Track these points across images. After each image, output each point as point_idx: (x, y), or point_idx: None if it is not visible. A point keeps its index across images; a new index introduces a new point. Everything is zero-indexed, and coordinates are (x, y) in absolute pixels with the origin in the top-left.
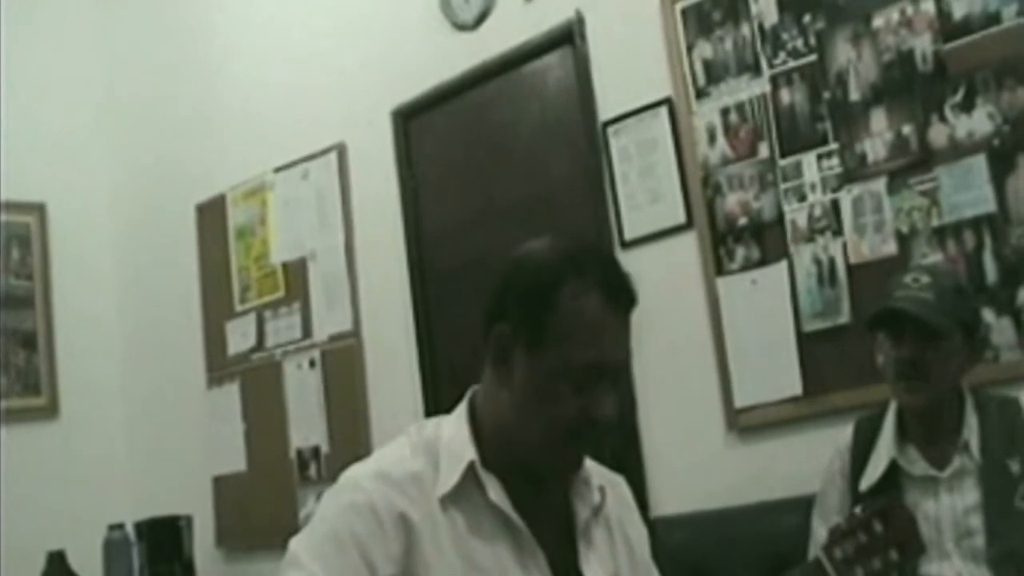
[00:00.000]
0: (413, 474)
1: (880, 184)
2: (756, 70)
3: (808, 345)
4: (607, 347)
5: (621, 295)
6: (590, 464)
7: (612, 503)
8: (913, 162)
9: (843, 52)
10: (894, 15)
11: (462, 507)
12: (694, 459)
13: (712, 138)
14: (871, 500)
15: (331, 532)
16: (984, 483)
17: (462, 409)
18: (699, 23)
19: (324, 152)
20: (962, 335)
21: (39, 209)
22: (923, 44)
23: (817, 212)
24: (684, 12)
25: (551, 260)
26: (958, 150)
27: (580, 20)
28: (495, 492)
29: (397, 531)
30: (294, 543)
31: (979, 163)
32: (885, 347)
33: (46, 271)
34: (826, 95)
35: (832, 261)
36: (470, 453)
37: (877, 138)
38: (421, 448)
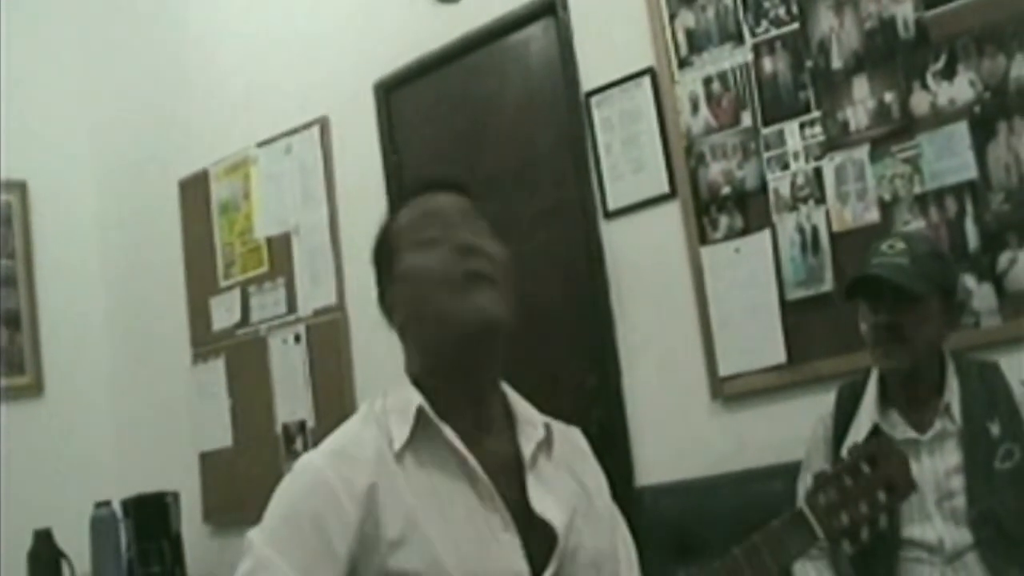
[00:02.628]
0: (364, 444)
1: (862, 152)
2: (738, 39)
3: (792, 313)
4: (430, 207)
5: (436, 183)
6: (536, 412)
7: (565, 450)
8: (895, 130)
9: (825, 20)
10: None
11: (418, 459)
12: (679, 428)
13: (695, 107)
14: (858, 444)
15: (285, 515)
16: (965, 445)
17: (402, 374)
18: None
19: (307, 126)
20: (939, 298)
21: (20, 187)
22: (905, 11)
23: (800, 180)
24: None
25: (385, 220)
26: (940, 117)
27: None
28: (450, 433)
29: (354, 502)
30: (251, 533)
31: (961, 130)
32: (864, 314)
33: (28, 250)
34: (808, 63)
35: (815, 229)
36: (416, 399)
37: (859, 106)
38: (371, 418)
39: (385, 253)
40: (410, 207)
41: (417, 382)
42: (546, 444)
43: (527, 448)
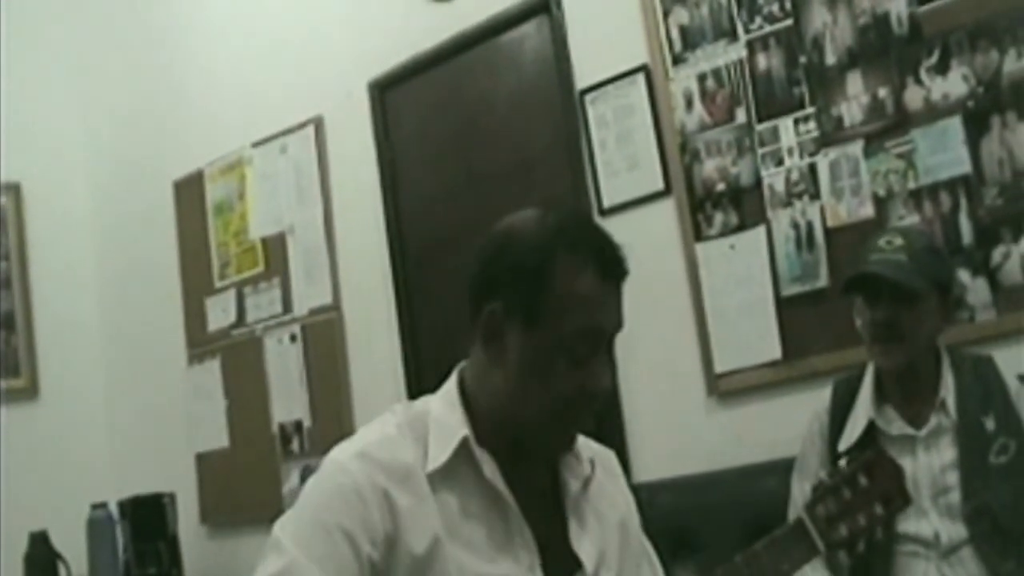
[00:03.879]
0: (399, 452)
1: (857, 147)
2: (732, 35)
3: (787, 309)
4: (603, 319)
5: (614, 267)
6: (579, 438)
7: (600, 479)
8: (889, 125)
9: (819, 16)
10: None
11: (451, 484)
12: (675, 424)
13: (689, 104)
14: (856, 454)
15: (315, 517)
16: (960, 441)
17: (452, 386)
18: None
19: (302, 126)
20: (936, 295)
21: (14, 189)
22: (898, 6)
23: (794, 176)
24: None
25: (541, 236)
26: (933, 112)
27: None
28: (489, 469)
29: (383, 511)
30: (278, 528)
31: (954, 125)
32: (861, 310)
33: (23, 251)
34: (802, 59)
35: (810, 225)
36: (463, 429)
37: (853, 101)
38: (407, 426)
39: (539, 290)
40: (586, 277)
41: (471, 399)
42: (589, 481)
43: (572, 484)
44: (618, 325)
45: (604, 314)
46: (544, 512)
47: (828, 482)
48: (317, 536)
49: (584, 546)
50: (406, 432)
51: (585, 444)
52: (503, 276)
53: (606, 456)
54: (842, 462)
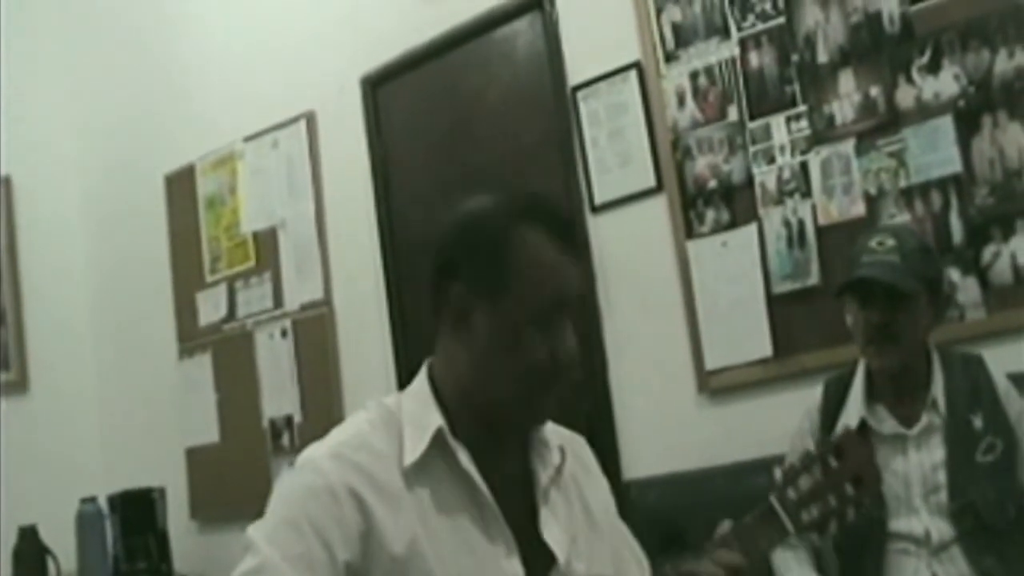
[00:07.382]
0: (373, 450)
1: (848, 146)
2: (725, 33)
3: (778, 307)
4: (566, 282)
5: (568, 233)
6: (549, 425)
7: (572, 468)
8: (881, 124)
9: (811, 14)
10: None
11: (426, 478)
12: (666, 421)
13: (681, 101)
14: (825, 438)
15: (288, 517)
16: (949, 439)
17: (422, 380)
18: None
19: (293, 120)
20: (928, 294)
21: (4, 182)
22: (890, 6)
23: (786, 174)
24: None
25: (497, 211)
26: (925, 111)
27: None
28: (464, 458)
29: (356, 511)
30: (251, 530)
31: (945, 124)
32: (854, 311)
33: (13, 245)
34: (794, 57)
35: (801, 223)
36: (437, 420)
37: (845, 100)
38: (381, 422)
39: (501, 262)
40: (545, 243)
41: (442, 389)
42: (559, 469)
43: (543, 475)
44: (579, 292)
45: (566, 281)
46: (515, 500)
47: (798, 465)
48: (290, 536)
49: (553, 534)
50: (379, 428)
51: (554, 430)
52: (465, 255)
53: (576, 442)
54: (812, 446)
